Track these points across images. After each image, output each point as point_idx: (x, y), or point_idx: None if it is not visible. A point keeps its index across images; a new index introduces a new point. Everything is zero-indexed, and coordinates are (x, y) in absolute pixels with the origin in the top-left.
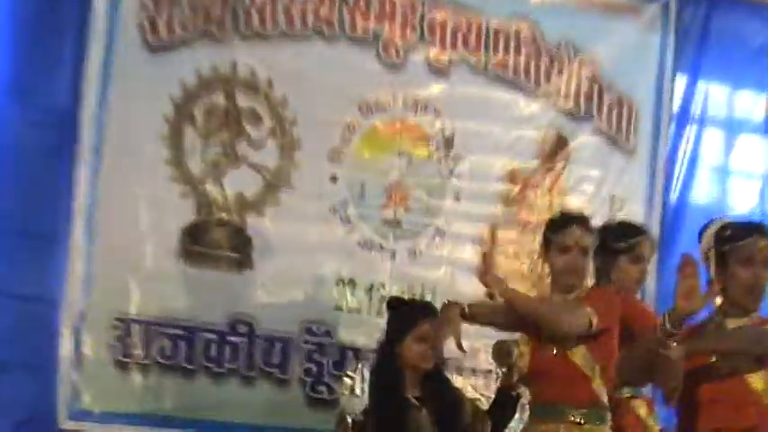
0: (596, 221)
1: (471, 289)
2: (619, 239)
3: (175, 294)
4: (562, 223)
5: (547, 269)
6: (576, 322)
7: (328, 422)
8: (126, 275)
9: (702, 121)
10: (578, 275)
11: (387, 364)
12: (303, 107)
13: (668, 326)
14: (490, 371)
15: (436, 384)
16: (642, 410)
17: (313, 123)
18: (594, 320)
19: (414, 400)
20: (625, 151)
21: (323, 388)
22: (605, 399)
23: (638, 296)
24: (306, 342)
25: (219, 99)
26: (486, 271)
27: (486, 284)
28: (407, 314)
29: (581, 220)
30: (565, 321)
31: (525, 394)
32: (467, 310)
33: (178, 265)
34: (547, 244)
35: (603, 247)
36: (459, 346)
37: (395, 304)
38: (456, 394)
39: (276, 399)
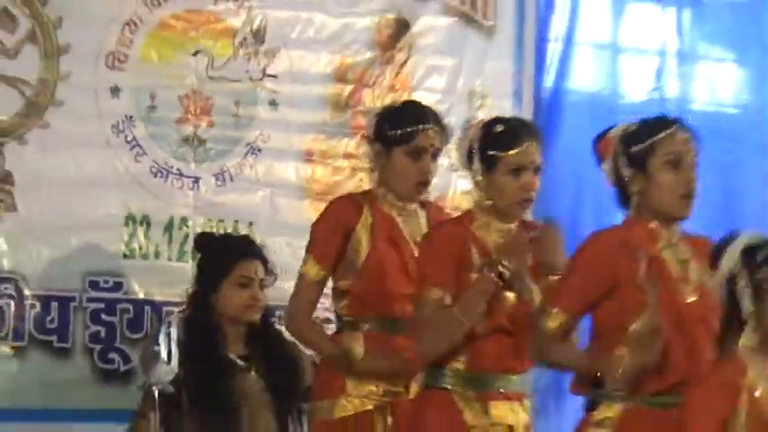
0: (453, 121)
1: (295, 216)
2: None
3: None
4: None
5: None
6: None
7: (125, 399)
8: None
9: None
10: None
11: (199, 319)
12: (69, 1)
13: None
14: None
15: (266, 340)
16: None
17: (83, 21)
18: None
19: (238, 361)
20: (483, 31)
21: (115, 356)
22: None
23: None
24: (90, 300)
25: None
26: None
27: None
28: (221, 254)
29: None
30: None
31: None
32: None
33: None
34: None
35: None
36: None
37: (204, 243)
38: (292, 351)
39: (54, 374)
